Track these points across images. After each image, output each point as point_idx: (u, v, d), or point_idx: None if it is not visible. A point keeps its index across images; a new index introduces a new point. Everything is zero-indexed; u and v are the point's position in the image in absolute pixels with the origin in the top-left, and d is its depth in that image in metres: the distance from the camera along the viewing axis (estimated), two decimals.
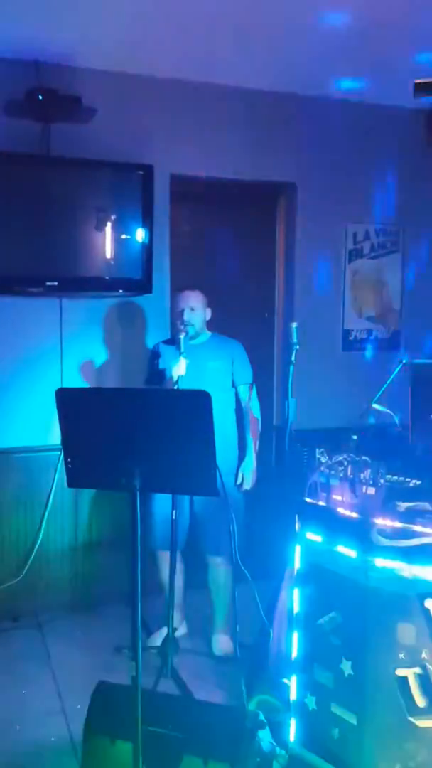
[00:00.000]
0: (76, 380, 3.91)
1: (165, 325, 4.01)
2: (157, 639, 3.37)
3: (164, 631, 3.30)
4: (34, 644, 3.60)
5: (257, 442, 3.47)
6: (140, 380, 3.67)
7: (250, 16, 3.16)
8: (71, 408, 2.09)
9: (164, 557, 3.30)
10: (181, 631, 3.60)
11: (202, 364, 3.28)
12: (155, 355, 3.50)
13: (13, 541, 3.86)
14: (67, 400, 2.10)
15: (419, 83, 2.52)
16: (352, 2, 3.02)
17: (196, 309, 3.36)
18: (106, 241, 3.69)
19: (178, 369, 3.13)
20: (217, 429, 1.96)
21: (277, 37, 3.41)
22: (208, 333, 3.47)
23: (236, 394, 3.46)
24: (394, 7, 3.04)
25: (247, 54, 3.62)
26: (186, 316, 3.32)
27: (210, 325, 3.50)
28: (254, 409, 3.49)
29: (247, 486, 3.41)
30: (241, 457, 3.44)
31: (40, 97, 3.55)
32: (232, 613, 3.30)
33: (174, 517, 3.13)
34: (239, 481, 3.40)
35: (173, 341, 3.33)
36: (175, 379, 3.13)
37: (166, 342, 3.50)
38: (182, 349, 3.15)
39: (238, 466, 3.42)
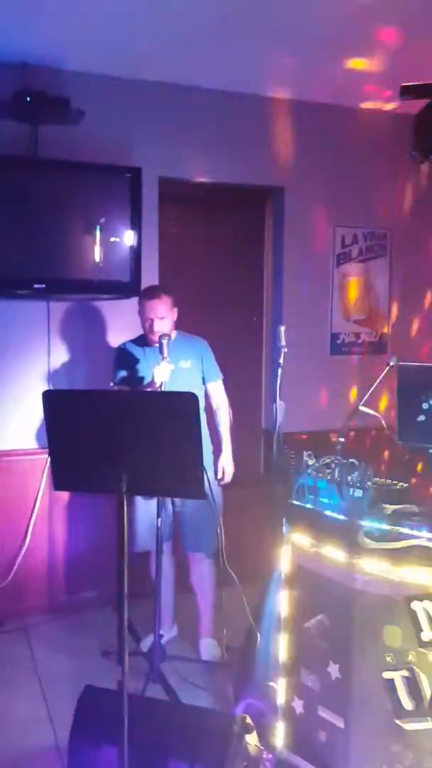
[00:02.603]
0: (63, 382, 3.90)
1: None
2: (147, 645, 3.35)
3: (162, 636, 3.32)
4: (19, 649, 3.57)
5: (229, 437, 3.49)
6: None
7: (239, 20, 3.17)
8: (58, 410, 2.08)
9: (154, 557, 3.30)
10: (172, 633, 3.59)
11: (174, 364, 3.27)
12: (124, 356, 3.40)
13: (0, 544, 3.83)
14: (54, 403, 2.09)
15: (405, 86, 2.54)
16: (339, 7, 3.04)
17: (165, 317, 3.30)
18: (95, 244, 3.68)
19: (162, 374, 3.10)
20: None
21: (266, 42, 3.42)
22: (174, 332, 3.41)
23: (205, 392, 3.45)
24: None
25: (236, 58, 3.62)
26: (156, 327, 3.28)
27: (192, 327, 3.47)
28: (223, 405, 3.49)
29: (227, 479, 3.44)
30: (216, 452, 3.44)
31: (28, 99, 3.54)
32: (220, 617, 3.29)
33: (159, 524, 3.11)
34: (219, 475, 3.42)
35: (141, 342, 3.33)
36: (158, 383, 3.09)
37: (134, 343, 3.41)
38: (166, 354, 3.10)
39: (214, 461, 3.42)
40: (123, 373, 3.37)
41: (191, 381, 3.31)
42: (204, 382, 3.43)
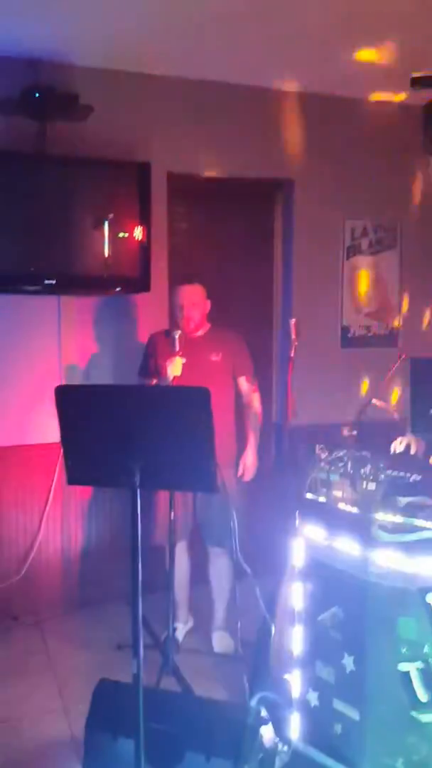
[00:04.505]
0: (74, 378, 3.91)
1: (163, 322, 4.00)
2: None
3: (179, 627, 3.39)
4: (34, 643, 3.60)
5: (258, 435, 3.47)
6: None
7: (247, 12, 3.16)
8: (70, 405, 2.08)
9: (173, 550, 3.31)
10: (188, 625, 3.61)
11: (203, 357, 3.27)
12: (151, 345, 3.43)
13: (13, 539, 3.86)
14: (67, 398, 2.09)
15: (415, 77, 2.53)
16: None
17: (196, 304, 3.33)
18: (104, 240, 3.68)
19: (174, 368, 3.10)
20: (217, 422, 1.95)
21: (274, 34, 3.40)
22: (208, 325, 3.43)
23: (236, 386, 3.43)
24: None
25: (245, 51, 3.61)
26: (187, 313, 3.31)
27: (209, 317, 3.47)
28: (254, 402, 3.47)
29: (248, 477, 3.42)
30: (241, 448, 3.43)
31: (37, 94, 3.54)
32: (233, 610, 3.30)
33: (173, 517, 3.13)
34: (240, 472, 3.40)
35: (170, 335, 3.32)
36: (170, 378, 3.10)
37: (165, 334, 3.40)
38: (177, 348, 3.12)
39: (238, 458, 3.41)
40: (151, 363, 3.37)
41: (221, 376, 3.30)
42: (235, 377, 3.41)
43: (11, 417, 3.82)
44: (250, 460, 3.42)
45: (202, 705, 2.50)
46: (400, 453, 2.63)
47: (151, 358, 3.41)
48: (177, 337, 3.12)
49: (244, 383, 3.44)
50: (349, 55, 3.65)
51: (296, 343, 2.99)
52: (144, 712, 2.00)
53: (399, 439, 2.68)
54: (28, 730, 2.85)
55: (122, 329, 3.99)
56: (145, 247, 3.75)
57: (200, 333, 3.39)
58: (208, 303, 3.40)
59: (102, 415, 2.06)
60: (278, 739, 2.48)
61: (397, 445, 2.65)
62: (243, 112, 4.11)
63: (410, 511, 2.29)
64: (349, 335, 4.52)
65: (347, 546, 2.33)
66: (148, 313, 4.02)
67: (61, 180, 3.61)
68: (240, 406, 3.48)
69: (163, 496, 3.31)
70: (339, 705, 2.36)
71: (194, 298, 3.32)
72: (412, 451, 2.63)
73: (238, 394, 3.46)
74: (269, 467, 4.12)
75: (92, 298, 3.93)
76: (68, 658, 3.43)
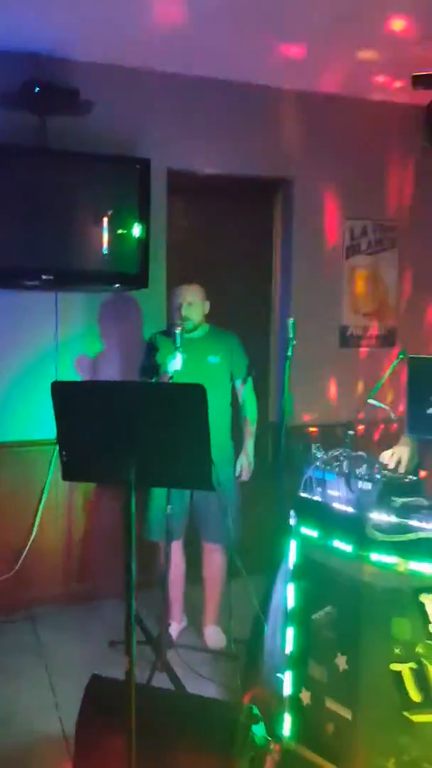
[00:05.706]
0: (71, 374, 3.90)
1: (161, 319, 4.00)
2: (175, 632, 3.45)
3: (173, 625, 3.39)
4: (27, 638, 3.59)
5: (253, 436, 3.50)
6: (136, 374, 3.66)
7: (247, 10, 3.15)
8: (67, 401, 2.08)
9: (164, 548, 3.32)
10: (182, 625, 3.61)
11: (201, 357, 3.27)
12: (152, 346, 3.45)
13: (7, 534, 3.85)
14: (63, 394, 2.08)
15: (417, 76, 2.52)
16: None
17: (194, 303, 3.34)
18: (103, 235, 3.67)
19: (174, 364, 3.11)
20: (214, 422, 1.95)
21: (274, 32, 3.40)
22: (206, 326, 3.44)
23: (232, 387, 3.46)
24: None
25: (245, 48, 3.60)
26: (184, 311, 3.30)
27: (207, 318, 3.48)
28: (250, 403, 3.50)
29: (245, 477, 3.45)
30: (237, 448, 3.45)
31: (37, 89, 3.53)
32: (227, 607, 3.30)
33: (170, 512, 3.13)
34: (238, 473, 3.42)
35: (170, 333, 3.32)
36: (170, 373, 3.11)
37: (164, 333, 3.45)
38: (178, 344, 3.13)
39: (234, 457, 3.44)
40: (150, 363, 3.38)
41: (220, 376, 3.31)
42: (232, 378, 3.43)
43: (7, 413, 3.81)
44: (246, 460, 3.45)
45: (194, 703, 2.49)
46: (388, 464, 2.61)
47: (152, 358, 3.39)
48: (177, 333, 3.13)
49: (240, 385, 3.46)
50: (350, 54, 3.64)
51: (294, 343, 2.99)
52: (135, 709, 1.99)
53: (391, 450, 2.66)
54: (19, 726, 2.84)
55: (120, 325, 3.99)
56: (143, 244, 3.74)
57: (199, 334, 3.39)
58: (207, 304, 3.40)
59: (98, 411, 2.05)
60: (270, 737, 2.48)
61: (387, 457, 2.63)
62: (244, 110, 4.10)
63: (406, 511, 2.29)
64: (347, 335, 4.52)
65: (342, 545, 2.32)
66: (146, 309, 4.01)
67: (61, 175, 3.59)
68: (235, 408, 3.50)
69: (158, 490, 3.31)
70: (331, 704, 2.36)
71: (191, 298, 3.32)
72: (401, 467, 2.61)
73: (234, 396, 3.47)
74: (265, 466, 4.11)
75: (90, 294, 3.92)
76: (61, 653, 3.43)
